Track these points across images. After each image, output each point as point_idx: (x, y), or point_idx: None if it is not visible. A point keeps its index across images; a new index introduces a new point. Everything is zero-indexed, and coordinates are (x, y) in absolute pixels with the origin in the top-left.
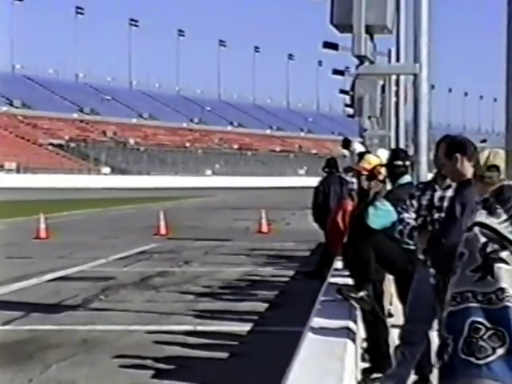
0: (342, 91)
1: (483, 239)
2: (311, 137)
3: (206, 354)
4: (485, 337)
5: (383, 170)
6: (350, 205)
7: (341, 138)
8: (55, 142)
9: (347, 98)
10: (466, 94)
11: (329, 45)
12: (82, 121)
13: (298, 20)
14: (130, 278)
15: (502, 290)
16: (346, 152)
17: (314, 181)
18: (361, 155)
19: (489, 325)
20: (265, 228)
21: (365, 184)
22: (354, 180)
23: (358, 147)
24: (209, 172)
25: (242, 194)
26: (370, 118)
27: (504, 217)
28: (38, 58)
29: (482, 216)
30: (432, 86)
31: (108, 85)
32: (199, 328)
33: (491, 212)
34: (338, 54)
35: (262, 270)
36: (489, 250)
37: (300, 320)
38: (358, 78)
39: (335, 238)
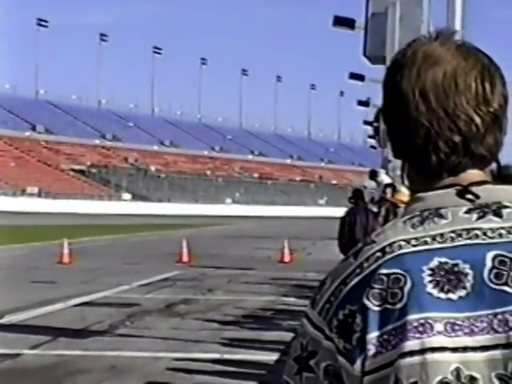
0: (366, 122)
1: (307, 337)
2: (332, 167)
3: (234, 382)
4: None
5: None
6: None
7: (361, 169)
8: (77, 167)
9: (370, 129)
10: None
11: (355, 76)
12: (103, 147)
13: (320, 50)
14: (154, 305)
15: None
16: (366, 183)
17: (333, 211)
18: (386, 186)
19: None
20: (287, 257)
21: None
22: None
23: (385, 178)
24: (229, 200)
25: (261, 222)
26: None
27: (322, 302)
28: (62, 83)
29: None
30: None
31: (130, 111)
32: (226, 356)
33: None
34: (360, 85)
35: (285, 300)
36: (310, 348)
37: None
38: None
39: None
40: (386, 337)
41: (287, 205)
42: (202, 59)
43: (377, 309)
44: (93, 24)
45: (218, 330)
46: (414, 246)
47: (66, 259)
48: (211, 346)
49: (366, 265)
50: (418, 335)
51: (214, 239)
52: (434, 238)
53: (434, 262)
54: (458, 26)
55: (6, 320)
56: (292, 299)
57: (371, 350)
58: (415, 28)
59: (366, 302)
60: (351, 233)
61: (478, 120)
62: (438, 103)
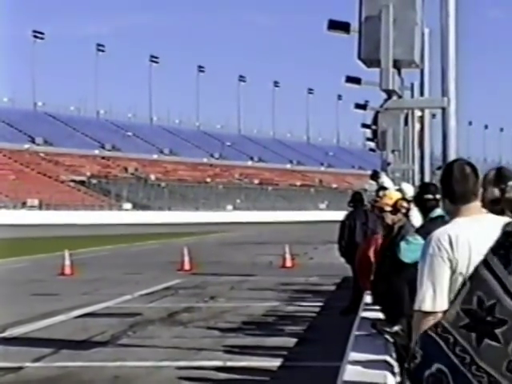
0: (364, 125)
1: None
2: (332, 171)
3: None
4: None
5: (405, 204)
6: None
7: (361, 172)
8: (77, 178)
9: (368, 132)
10: (486, 126)
11: (351, 79)
12: (103, 157)
13: (316, 55)
14: (156, 314)
15: None
16: (367, 186)
17: (334, 215)
18: (380, 189)
19: None
20: (289, 263)
21: (389, 219)
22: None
23: (386, 180)
24: (230, 207)
25: (262, 228)
26: (393, 151)
27: None
28: (60, 95)
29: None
30: (469, 123)
31: (129, 121)
32: (229, 364)
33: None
34: (357, 88)
35: (288, 305)
36: (498, 315)
37: (330, 355)
38: (381, 111)
39: (366, 272)
40: None
41: (288, 210)
42: (199, 67)
43: None
44: (89, 35)
45: (221, 338)
46: None
47: (67, 271)
48: (214, 354)
49: None
50: None
51: (215, 246)
52: None
53: None
54: (451, 27)
55: (8, 333)
56: (294, 304)
57: None
58: (409, 30)
59: None
60: (351, 236)
61: None
62: None
